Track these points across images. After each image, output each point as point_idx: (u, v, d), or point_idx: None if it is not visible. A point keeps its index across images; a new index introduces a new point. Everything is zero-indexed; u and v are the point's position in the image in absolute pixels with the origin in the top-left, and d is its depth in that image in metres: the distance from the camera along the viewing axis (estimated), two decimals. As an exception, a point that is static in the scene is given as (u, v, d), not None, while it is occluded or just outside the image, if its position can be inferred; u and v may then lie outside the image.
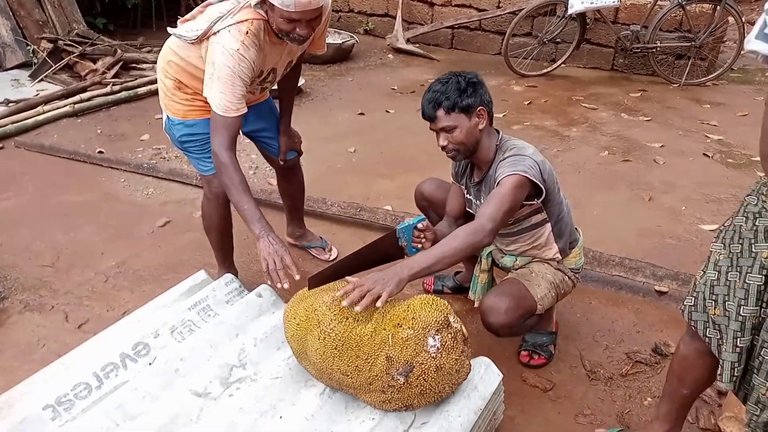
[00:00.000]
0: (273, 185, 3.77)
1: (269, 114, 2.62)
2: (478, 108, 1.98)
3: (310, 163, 3.50)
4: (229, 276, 2.29)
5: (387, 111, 5.21)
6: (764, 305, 1.38)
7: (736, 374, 1.45)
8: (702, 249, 3.05)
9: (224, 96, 2.05)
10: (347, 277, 1.71)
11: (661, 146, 4.38)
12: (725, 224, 1.49)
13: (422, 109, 2.00)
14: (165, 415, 1.64)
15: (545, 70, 6.15)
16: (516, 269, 2.24)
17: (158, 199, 3.60)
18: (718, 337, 1.48)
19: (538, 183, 1.94)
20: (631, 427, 2.02)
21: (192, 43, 2.15)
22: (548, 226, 2.12)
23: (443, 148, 2.03)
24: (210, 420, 1.65)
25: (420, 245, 1.98)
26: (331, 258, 2.97)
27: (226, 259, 2.70)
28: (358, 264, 1.83)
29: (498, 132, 2.09)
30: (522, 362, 2.29)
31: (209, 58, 2.07)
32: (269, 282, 1.99)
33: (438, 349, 1.53)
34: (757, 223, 1.39)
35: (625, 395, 2.16)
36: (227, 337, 1.98)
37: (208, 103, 2.16)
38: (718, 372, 1.48)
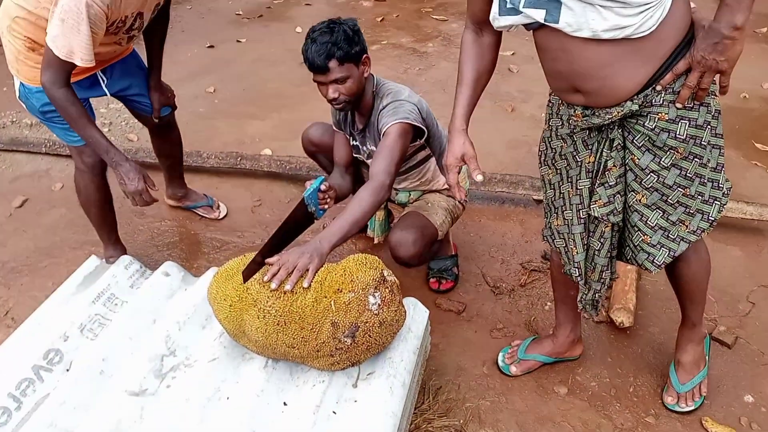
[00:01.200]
0: (134, 141, 3.51)
1: (136, 69, 2.39)
2: (364, 56, 1.98)
3: (171, 112, 3.27)
4: (125, 258, 2.14)
5: (238, 41, 4.94)
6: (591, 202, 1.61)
7: (583, 268, 1.71)
8: (565, 152, 3.33)
9: (69, 39, 1.83)
10: (268, 259, 1.67)
11: (513, 54, 4.59)
12: (541, 149, 1.72)
13: (310, 61, 1.92)
14: (105, 424, 1.56)
15: (389, -18, 6.08)
16: (411, 203, 2.33)
17: (6, 176, 3.20)
18: (563, 244, 1.74)
19: (420, 126, 2.01)
20: (539, 333, 2.25)
21: None
22: (433, 160, 2.22)
23: (333, 100, 1.99)
24: (155, 417, 1.60)
25: (326, 206, 1.97)
26: (221, 216, 2.86)
27: (111, 235, 2.52)
28: (279, 243, 1.79)
29: (373, 76, 2.10)
30: (432, 289, 2.43)
31: (56, 1, 1.81)
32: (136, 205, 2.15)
33: (379, 305, 1.58)
34: (572, 138, 1.57)
35: (528, 304, 2.38)
36: (145, 326, 1.88)
37: None
38: (570, 271, 1.75)
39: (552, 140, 1.66)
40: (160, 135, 2.66)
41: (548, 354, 2.08)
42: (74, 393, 1.65)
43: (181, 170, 2.84)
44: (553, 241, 1.78)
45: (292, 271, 1.59)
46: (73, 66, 1.91)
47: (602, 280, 1.70)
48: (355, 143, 2.27)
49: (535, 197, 2.91)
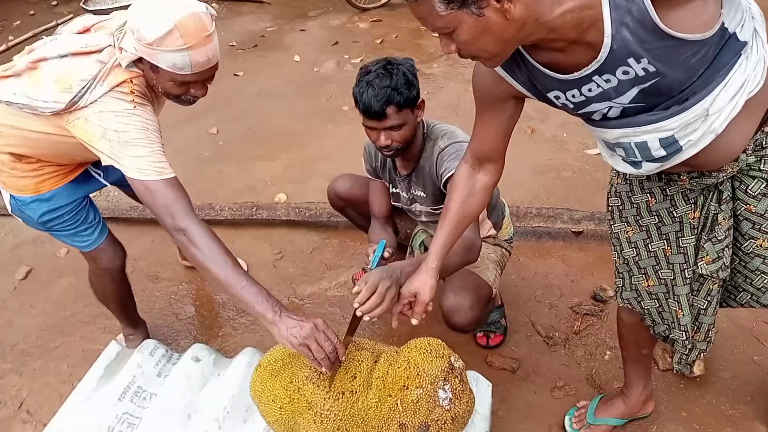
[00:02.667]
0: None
1: None
2: (420, 100, 1.83)
3: (172, 157, 3.01)
4: (149, 342, 1.95)
5: (235, 74, 4.76)
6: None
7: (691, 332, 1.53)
8: (596, 175, 3.16)
9: (146, 159, 1.59)
10: (355, 289, 1.48)
11: (522, 69, 4.43)
12: (613, 203, 1.56)
13: (365, 106, 1.75)
14: None
15: (384, 1, 5.93)
16: None
17: (6, 244, 3.00)
18: (657, 305, 1.57)
19: None
20: (603, 388, 2.07)
21: (47, 115, 1.63)
22: None
23: (385, 147, 1.83)
24: None
25: None
26: (242, 273, 2.66)
27: (131, 318, 2.30)
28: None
29: (424, 106, 1.92)
30: (481, 345, 2.24)
31: (95, 132, 1.58)
32: (322, 369, 1.43)
33: (450, 399, 1.40)
34: (665, 192, 1.42)
35: (586, 354, 2.20)
36: (180, 424, 1.69)
37: (61, 166, 1.82)
38: (665, 333, 1.60)
39: (633, 194, 1.48)
40: None
41: (620, 416, 1.90)
42: None
43: None
44: (639, 303, 1.60)
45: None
46: (182, 188, 1.63)
47: (708, 339, 1.53)
48: (395, 190, 2.09)
49: (573, 230, 2.73)
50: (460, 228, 1.53)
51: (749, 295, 1.50)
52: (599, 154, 3.26)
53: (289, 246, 2.83)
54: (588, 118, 1.24)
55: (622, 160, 1.28)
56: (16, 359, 2.35)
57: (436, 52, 4.83)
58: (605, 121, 1.21)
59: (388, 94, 1.71)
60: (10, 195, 1.86)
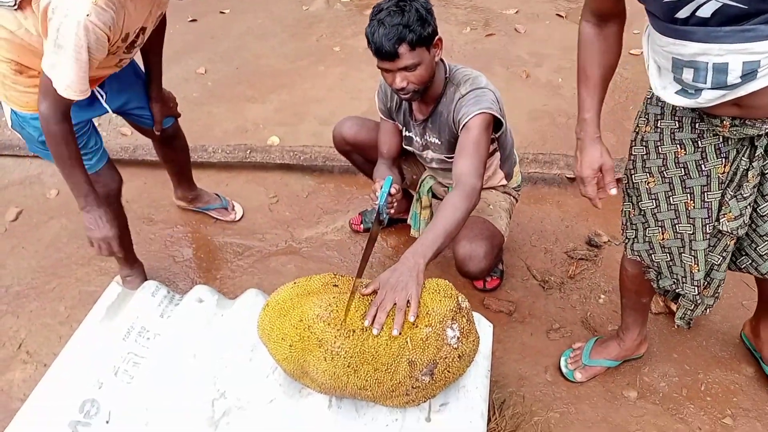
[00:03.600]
0: (128, 135, 3.25)
1: (134, 79, 2.14)
2: (436, 38, 1.73)
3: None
4: (151, 283, 1.93)
5: (221, 12, 4.61)
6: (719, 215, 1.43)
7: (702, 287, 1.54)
8: (590, 122, 3.15)
9: (66, 69, 1.59)
10: (362, 290, 1.47)
11: (516, 12, 4.35)
12: (637, 152, 1.54)
13: (376, 46, 1.66)
14: (162, 488, 1.40)
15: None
16: None
17: (-6, 184, 2.94)
18: (668, 259, 1.56)
19: (501, 119, 1.81)
20: (598, 330, 2.12)
21: (14, 8, 1.62)
22: (497, 155, 2.01)
23: (401, 90, 1.76)
24: (216, 474, 1.45)
25: (392, 210, 1.79)
26: (237, 218, 2.65)
27: (128, 256, 2.29)
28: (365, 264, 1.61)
29: (443, 60, 1.86)
30: (478, 288, 2.27)
31: (52, 25, 1.55)
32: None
33: (458, 338, 1.42)
34: (697, 144, 1.38)
35: (581, 298, 2.24)
36: (185, 362, 1.70)
37: None
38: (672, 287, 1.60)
39: (662, 145, 1.44)
40: (165, 144, 2.42)
41: (614, 358, 1.96)
42: (121, 453, 1.48)
43: (190, 173, 2.60)
44: (650, 255, 1.58)
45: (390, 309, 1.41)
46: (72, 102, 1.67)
47: (716, 295, 1.55)
48: (408, 134, 2.04)
49: (568, 176, 2.74)
50: (606, 86, 1.48)
51: (750, 260, 1.50)
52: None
53: (284, 190, 2.81)
54: (673, 16, 1.12)
55: (681, 88, 1.21)
56: (11, 301, 2.33)
57: None
58: (693, 26, 1.10)
59: (400, 31, 1.63)
60: (11, 110, 1.84)
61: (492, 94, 1.80)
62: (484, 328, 1.76)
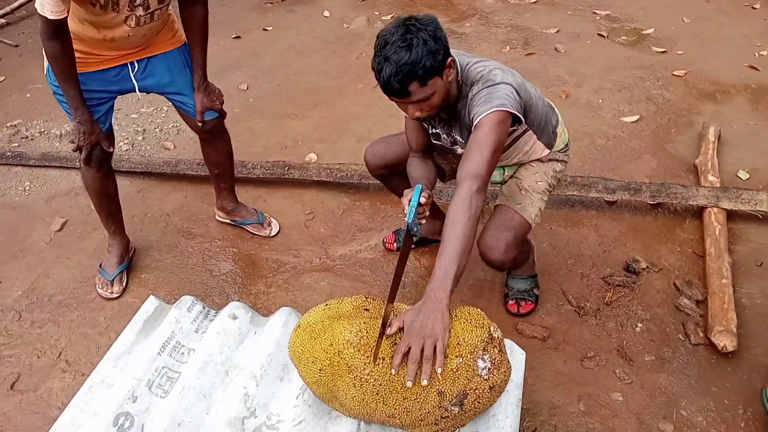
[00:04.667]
0: (170, 149, 3.33)
1: (181, 66, 2.21)
2: (449, 60, 1.65)
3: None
4: (187, 298, 1.97)
5: (265, 29, 4.70)
6: None
7: None
8: (630, 144, 3.11)
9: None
10: (388, 330, 1.45)
11: (557, 31, 4.32)
12: None
13: (384, 84, 1.60)
14: (193, 505, 1.42)
15: (416, -45, 5.77)
16: (506, 181, 2.08)
17: (41, 195, 3.03)
18: None
19: (517, 113, 1.70)
20: (634, 361, 2.07)
21: None
22: (530, 132, 1.94)
23: (417, 118, 1.74)
24: (244, 494, 1.46)
25: (423, 220, 1.75)
26: (272, 234, 2.68)
27: (111, 225, 2.46)
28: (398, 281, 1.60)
29: (455, 61, 1.73)
30: (511, 312, 2.25)
31: None
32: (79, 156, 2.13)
33: (489, 369, 1.41)
34: None
35: (617, 326, 2.20)
36: (218, 379, 1.73)
37: (96, 55, 2.05)
38: None
39: None
40: (208, 142, 2.48)
41: None
42: (153, 467, 1.51)
43: (232, 183, 2.66)
44: None
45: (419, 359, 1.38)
46: (58, 22, 1.83)
47: None
48: (435, 131, 1.99)
49: (607, 199, 2.70)
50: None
51: None
52: (635, 121, 3.23)
53: (320, 207, 2.84)
54: None
55: None
56: (54, 310, 2.41)
57: (468, 11, 4.72)
58: None
59: (409, 71, 1.54)
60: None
61: (505, 88, 1.69)
62: (516, 355, 1.74)
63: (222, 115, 2.36)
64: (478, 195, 1.60)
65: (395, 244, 2.56)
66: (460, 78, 1.77)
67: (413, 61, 1.55)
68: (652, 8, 4.54)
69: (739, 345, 2.06)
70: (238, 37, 4.56)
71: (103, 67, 2.07)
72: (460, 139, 1.92)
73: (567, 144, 2.08)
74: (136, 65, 2.13)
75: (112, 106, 2.21)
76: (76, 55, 1.98)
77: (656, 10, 4.50)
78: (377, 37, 1.62)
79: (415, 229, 1.67)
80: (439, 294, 1.45)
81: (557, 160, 2.06)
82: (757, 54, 3.86)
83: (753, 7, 4.46)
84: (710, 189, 2.61)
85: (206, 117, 2.29)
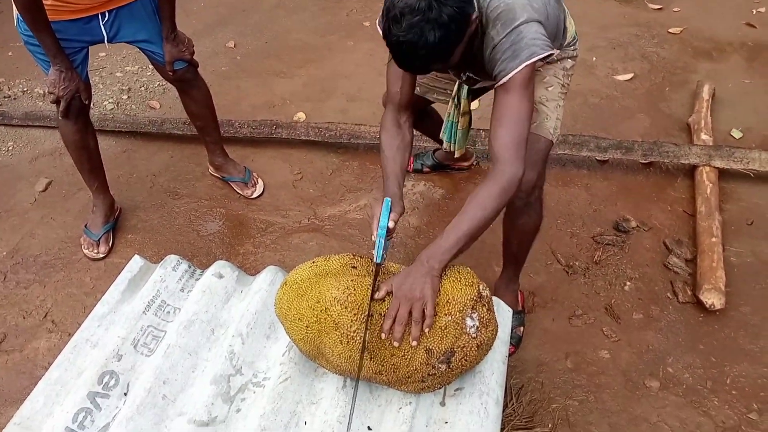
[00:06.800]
0: (156, 108, 3.27)
1: (150, 15, 2.15)
2: (473, 17, 1.40)
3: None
4: (172, 258, 1.95)
5: (252, -15, 4.56)
6: None
7: None
8: (624, 102, 3.06)
9: None
10: (376, 295, 1.41)
11: (551, -12, 4.22)
12: None
13: (399, 63, 1.45)
14: (178, 462, 1.43)
15: None
16: None
17: (24, 155, 2.97)
18: None
19: (549, 52, 1.47)
20: (622, 319, 2.07)
21: None
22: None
23: None
24: (231, 451, 1.46)
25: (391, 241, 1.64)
26: (254, 195, 2.64)
27: (94, 182, 2.43)
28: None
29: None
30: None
31: None
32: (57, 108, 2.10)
33: (477, 327, 1.40)
34: None
35: (606, 284, 2.20)
36: (204, 338, 1.72)
37: (57, 1, 1.97)
38: None
39: None
40: (184, 92, 2.43)
41: None
42: (137, 424, 1.50)
43: (217, 136, 2.62)
44: None
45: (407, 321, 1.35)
46: None
47: None
48: (434, 85, 1.88)
49: (598, 158, 2.67)
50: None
51: None
52: (629, 80, 3.17)
53: (308, 167, 2.80)
54: None
55: None
56: (39, 270, 2.38)
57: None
58: None
59: (431, 54, 1.36)
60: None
61: (530, 28, 1.44)
62: (503, 312, 1.73)
63: (193, 64, 2.31)
64: (517, 186, 1.45)
65: (412, 167, 2.63)
66: (477, 17, 1.46)
67: (438, 43, 1.32)
68: (649, -36, 4.43)
69: (727, 303, 2.06)
70: (225, -7, 4.44)
71: (74, 17, 2.02)
72: (474, 77, 1.74)
73: (575, 36, 1.83)
74: (106, 14, 2.07)
75: (87, 55, 2.16)
76: (46, 3, 1.92)
77: (653, -34, 4.40)
78: (384, 6, 1.42)
79: (381, 260, 1.50)
80: (433, 262, 1.40)
81: (567, 57, 1.81)
82: (754, 11, 3.78)
83: (751, -37, 4.37)
84: (703, 147, 2.58)
85: (176, 66, 2.25)
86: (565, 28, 1.75)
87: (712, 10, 3.82)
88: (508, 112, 1.46)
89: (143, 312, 1.79)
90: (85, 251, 2.42)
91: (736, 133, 2.84)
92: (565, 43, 1.78)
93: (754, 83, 3.18)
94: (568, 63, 1.82)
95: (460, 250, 1.44)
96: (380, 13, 1.46)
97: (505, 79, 1.45)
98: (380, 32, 1.48)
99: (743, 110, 2.99)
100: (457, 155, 2.15)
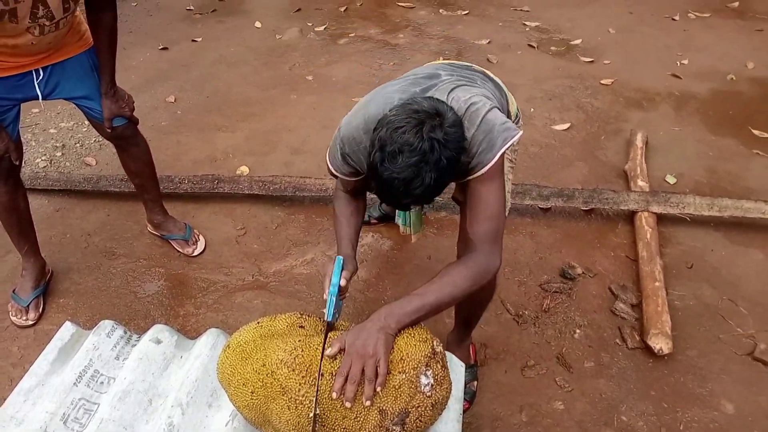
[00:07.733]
0: (92, 165, 3.15)
1: (88, 71, 2.07)
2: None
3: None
4: (107, 323, 1.83)
5: (193, 40, 4.55)
6: None
7: None
8: (562, 151, 3.14)
9: None
10: (327, 351, 1.34)
11: (488, 42, 4.37)
12: None
13: (387, 197, 1.45)
14: None
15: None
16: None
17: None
18: None
19: (520, 132, 1.51)
20: (573, 368, 2.06)
21: None
22: None
23: None
24: None
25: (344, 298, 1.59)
26: (195, 253, 2.54)
27: (23, 245, 2.29)
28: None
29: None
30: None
31: None
32: None
33: (432, 385, 1.35)
34: None
35: (556, 332, 2.19)
36: (141, 409, 1.60)
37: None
38: None
39: None
40: (122, 149, 2.33)
41: None
42: None
43: (156, 194, 2.51)
44: None
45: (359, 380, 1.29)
46: None
47: None
48: None
49: (541, 206, 2.71)
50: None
51: None
52: (566, 129, 3.27)
53: (252, 221, 2.73)
54: None
55: None
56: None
57: (401, 22, 4.72)
58: None
59: (420, 198, 1.39)
60: None
61: (495, 114, 1.47)
62: (456, 368, 1.69)
63: (132, 120, 2.23)
64: (497, 268, 1.49)
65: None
66: None
67: (433, 183, 1.34)
68: (579, 20, 4.66)
69: (674, 347, 2.07)
70: (165, 49, 4.39)
71: (6, 75, 1.91)
72: None
73: (518, 113, 1.88)
74: (41, 72, 1.97)
75: (18, 113, 2.04)
76: None
77: (583, 22, 4.62)
78: (386, 123, 1.34)
79: (332, 318, 1.47)
80: (390, 321, 1.35)
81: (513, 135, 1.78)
82: (678, 63, 4.00)
83: (673, 19, 4.64)
84: (640, 194, 2.66)
85: (115, 123, 2.16)
86: (509, 111, 1.79)
87: (640, 62, 4.02)
88: (485, 204, 1.47)
89: (74, 383, 1.67)
90: (13, 318, 2.26)
91: (671, 179, 2.95)
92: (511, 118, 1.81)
93: (683, 131, 3.33)
94: (515, 144, 1.77)
95: (420, 318, 1.39)
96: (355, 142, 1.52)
97: (482, 171, 1.46)
98: (347, 158, 1.56)
99: (675, 157, 3.11)
100: (414, 240, 2.18)
